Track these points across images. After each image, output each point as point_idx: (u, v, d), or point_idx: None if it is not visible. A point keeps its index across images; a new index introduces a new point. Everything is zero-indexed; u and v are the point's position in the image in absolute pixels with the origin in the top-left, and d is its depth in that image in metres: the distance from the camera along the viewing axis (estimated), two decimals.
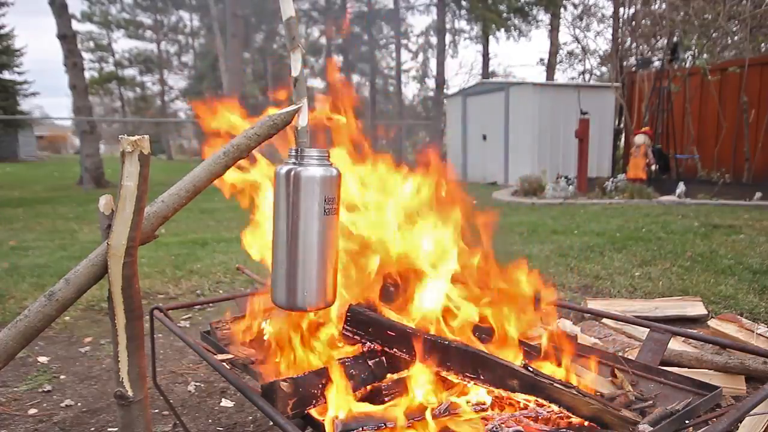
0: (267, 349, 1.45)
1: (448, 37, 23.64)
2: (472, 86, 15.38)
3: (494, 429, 1.08)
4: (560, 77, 23.78)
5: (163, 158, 36.74)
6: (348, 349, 1.35)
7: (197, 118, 1.37)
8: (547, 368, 1.26)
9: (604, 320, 2.86)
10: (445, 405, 1.15)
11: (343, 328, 1.33)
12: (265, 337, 1.50)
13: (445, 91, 21.08)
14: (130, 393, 1.06)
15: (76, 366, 2.72)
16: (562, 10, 21.22)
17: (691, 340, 2.45)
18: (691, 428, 1.15)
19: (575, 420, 1.08)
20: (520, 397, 1.11)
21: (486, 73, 24.98)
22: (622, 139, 13.66)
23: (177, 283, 4.09)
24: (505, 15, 21.32)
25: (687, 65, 11.55)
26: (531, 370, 1.12)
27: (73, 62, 12.77)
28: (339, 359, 1.26)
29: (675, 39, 11.98)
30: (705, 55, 12.48)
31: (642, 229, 5.97)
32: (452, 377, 1.19)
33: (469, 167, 14.39)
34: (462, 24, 24.46)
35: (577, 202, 8.96)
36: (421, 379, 1.20)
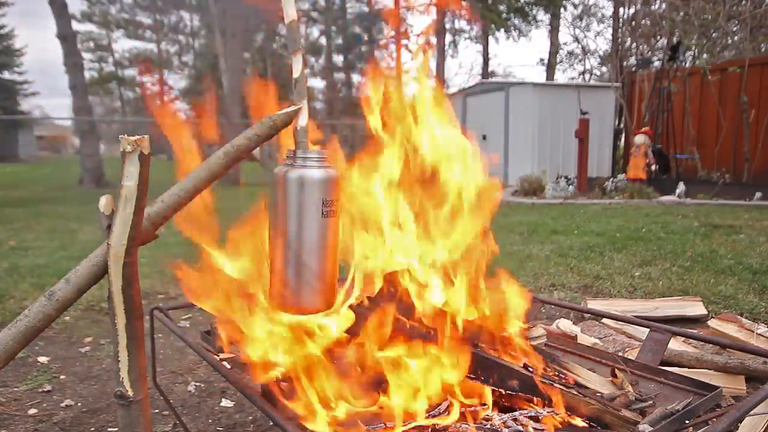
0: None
1: (448, 37, 23.64)
2: (472, 86, 15.36)
3: (494, 429, 1.08)
4: (560, 77, 23.78)
5: (164, 158, 36.70)
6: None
7: None
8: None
9: (604, 320, 2.86)
10: (444, 405, 1.15)
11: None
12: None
13: (444, 90, 21.09)
14: (130, 393, 1.06)
15: (76, 366, 2.72)
16: (562, 10, 21.22)
17: (691, 340, 2.45)
18: (691, 428, 1.15)
19: (575, 420, 1.08)
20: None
21: (486, 73, 24.96)
22: (622, 139, 13.65)
23: (177, 283, 4.09)
24: (505, 15, 21.31)
25: (687, 65, 11.55)
26: (531, 370, 1.12)
27: (73, 62, 12.77)
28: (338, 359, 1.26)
29: (676, 39, 11.97)
30: (705, 55, 12.48)
31: (642, 229, 5.97)
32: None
33: None
34: (462, 24, 24.44)
35: (577, 202, 8.96)
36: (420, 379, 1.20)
